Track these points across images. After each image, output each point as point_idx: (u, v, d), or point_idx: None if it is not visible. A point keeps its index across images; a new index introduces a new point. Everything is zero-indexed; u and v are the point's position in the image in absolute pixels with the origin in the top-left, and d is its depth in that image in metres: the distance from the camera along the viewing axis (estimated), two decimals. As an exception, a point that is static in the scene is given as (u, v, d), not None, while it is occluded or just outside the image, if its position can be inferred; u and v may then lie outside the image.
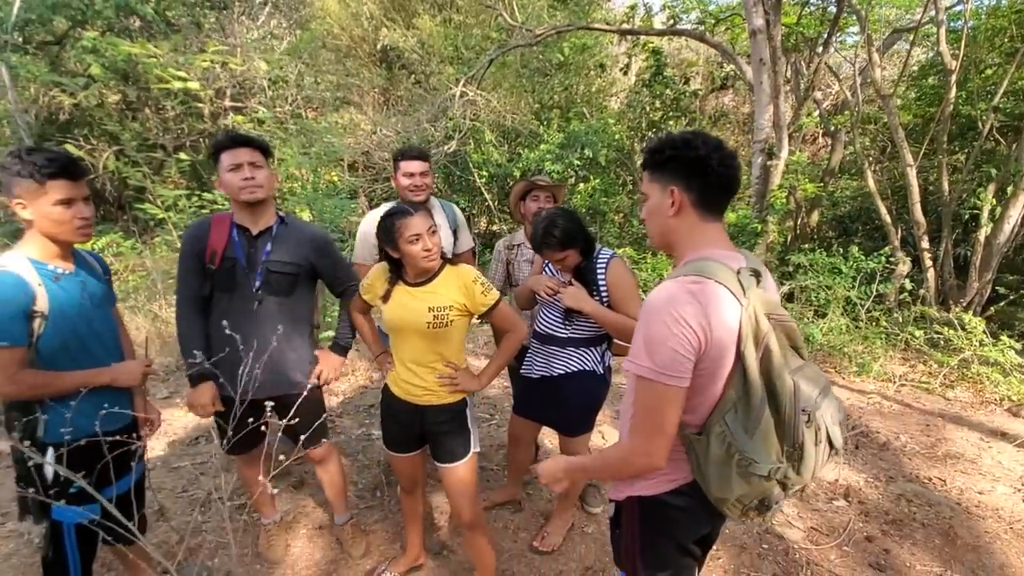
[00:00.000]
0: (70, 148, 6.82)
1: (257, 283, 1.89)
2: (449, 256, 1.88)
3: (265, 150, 1.90)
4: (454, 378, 1.77)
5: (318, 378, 2.05)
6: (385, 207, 2.43)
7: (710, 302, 1.05)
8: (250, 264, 1.88)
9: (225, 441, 1.42)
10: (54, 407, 1.48)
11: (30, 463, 1.38)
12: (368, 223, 2.44)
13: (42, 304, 1.43)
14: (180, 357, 1.88)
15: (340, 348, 2.13)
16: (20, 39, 6.99)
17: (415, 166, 2.36)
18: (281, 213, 1.98)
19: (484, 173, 7.29)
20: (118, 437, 1.44)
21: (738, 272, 1.10)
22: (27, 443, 1.42)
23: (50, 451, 1.48)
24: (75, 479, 1.18)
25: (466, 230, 2.69)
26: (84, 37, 6.84)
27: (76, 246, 1.63)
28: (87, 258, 1.69)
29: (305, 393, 1.75)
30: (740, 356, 1.06)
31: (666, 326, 1.05)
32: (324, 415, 2.15)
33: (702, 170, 1.14)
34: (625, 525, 1.30)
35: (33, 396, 1.44)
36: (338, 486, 2.27)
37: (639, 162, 8.70)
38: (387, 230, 1.66)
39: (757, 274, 1.12)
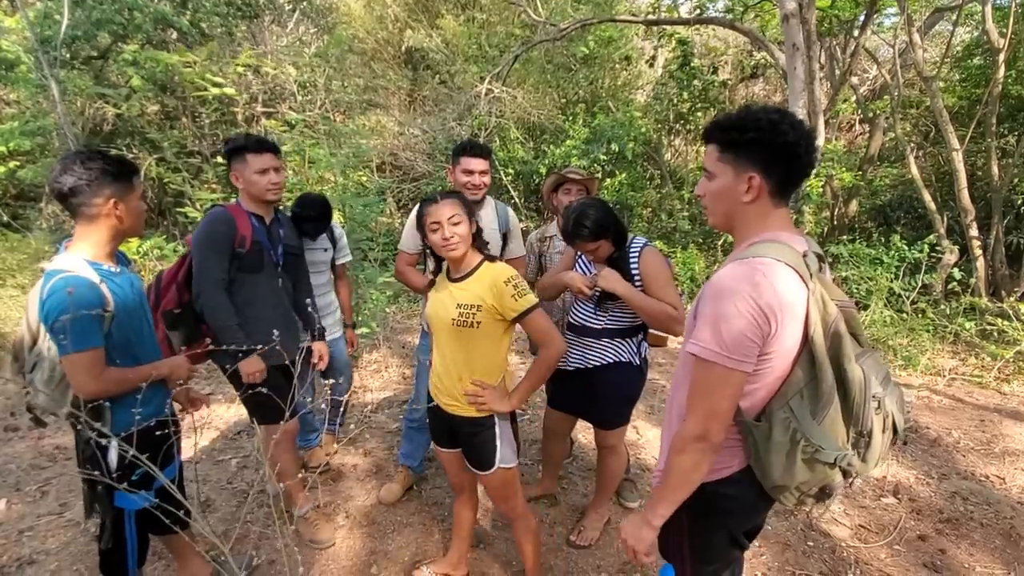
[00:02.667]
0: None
1: (281, 263, 2.18)
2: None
3: (280, 153, 2.16)
4: (480, 396, 1.68)
5: (320, 359, 2.40)
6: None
7: (779, 284, 1.01)
8: (274, 246, 2.15)
9: (288, 407, 1.61)
10: (117, 399, 1.54)
11: (107, 445, 1.45)
12: (416, 212, 2.48)
13: (110, 304, 1.49)
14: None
15: (323, 336, 2.47)
16: (67, 55, 7.33)
17: (477, 163, 2.27)
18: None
19: (510, 171, 7.29)
20: (159, 431, 1.52)
21: (804, 255, 1.06)
22: (89, 434, 1.46)
23: (113, 445, 1.53)
24: (141, 461, 1.22)
25: (518, 237, 2.54)
26: (125, 51, 7.13)
27: None
28: (120, 256, 1.74)
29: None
30: (809, 341, 1.02)
31: (736, 308, 1.01)
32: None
33: (788, 158, 1.05)
34: (673, 516, 1.26)
35: (114, 393, 1.49)
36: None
37: (667, 155, 8.57)
38: (418, 217, 1.71)
39: (821, 259, 1.10)
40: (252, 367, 2.02)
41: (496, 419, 1.73)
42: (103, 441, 1.46)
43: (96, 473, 1.47)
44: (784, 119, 1.05)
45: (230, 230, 2.00)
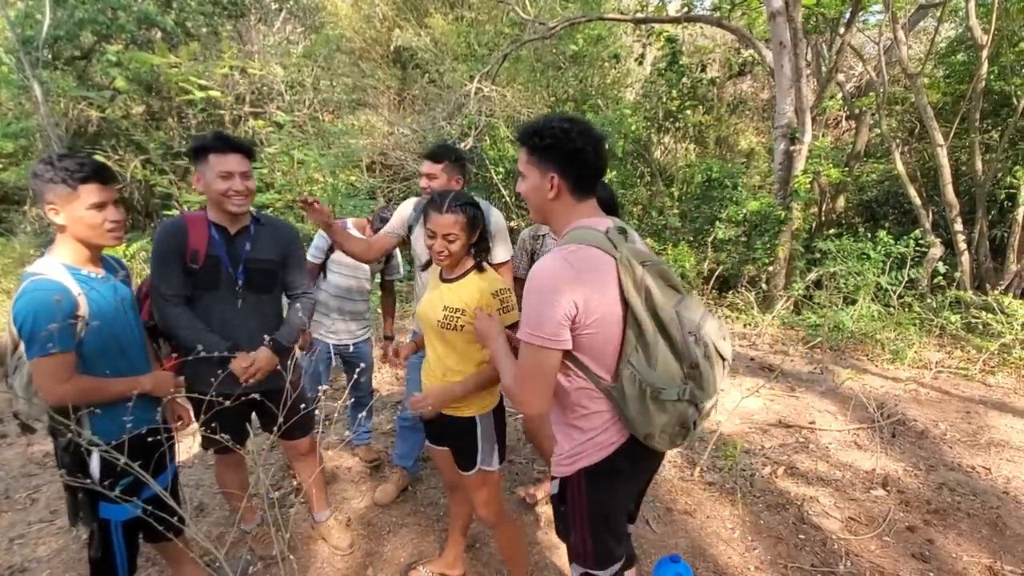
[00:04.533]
0: (99, 159, 7.05)
1: (240, 281, 1.90)
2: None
3: (252, 155, 1.91)
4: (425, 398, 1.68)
5: (244, 370, 1.84)
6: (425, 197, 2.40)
7: (586, 265, 1.19)
8: (232, 262, 1.89)
9: (273, 434, 1.43)
10: (97, 410, 1.50)
11: (89, 454, 1.42)
12: (409, 202, 2.45)
13: (83, 309, 1.45)
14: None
15: (279, 346, 1.96)
16: (50, 56, 7.22)
17: (426, 166, 2.27)
18: (254, 212, 1.99)
19: (500, 169, 7.28)
20: (151, 438, 1.49)
21: (606, 232, 1.24)
22: (78, 440, 1.43)
23: (95, 455, 1.51)
24: (133, 468, 1.21)
25: (505, 240, 2.43)
26: (108, 51, 7.03)
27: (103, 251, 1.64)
28: (111, 262, 1.70)
29: (288, 386, 1.73)
30: (626, 301, 1.19)
31: (543, 295, 1.18)
32: (306, 408, 2.11)
33: (579, 161, 1.24)
34: (572, 499, 1.37)
35: (82, 401, 1.45)
36: (319, 482, 2.31)
37: (657, 153, 8.61)
38: (424, 215, 1.68)
39: (624, 231, 1.27)
40: (244, 362, 1.82)
41: (478, 419, 1.74)
42: (92, 449, 1.45)
43: (87, 481, 1.45)
44: (573, 127, 1.23)
45: (179, 243, 1.80)
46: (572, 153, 1.23)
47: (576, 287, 1.17)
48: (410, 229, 2.38)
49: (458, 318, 1.64)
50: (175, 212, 5.33)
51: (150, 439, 1.54)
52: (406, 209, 2.41)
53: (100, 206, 1.48)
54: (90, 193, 1.46)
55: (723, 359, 1.26)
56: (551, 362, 1.21)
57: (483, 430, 1.75)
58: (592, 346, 1.22)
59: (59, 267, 1.46)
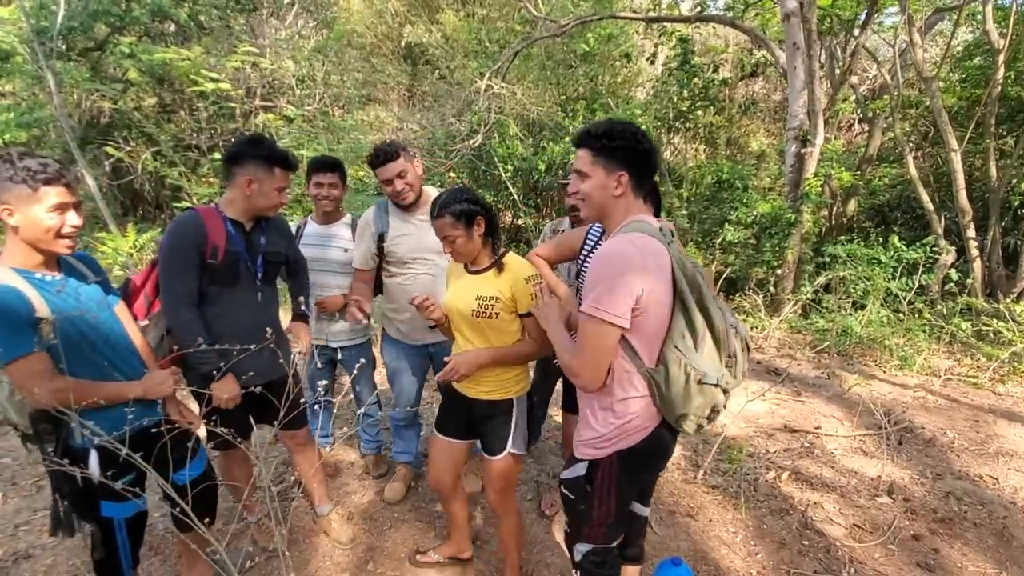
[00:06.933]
0: (111, 150, 7.10)
1: (259, 274, 1.94)
2: None
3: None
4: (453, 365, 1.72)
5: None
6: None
7: (649, 252, 1.30)
8: (252, 256, 1.91)
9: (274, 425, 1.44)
10: (84, 413, 1.43)
11: (87, 453, 1.42)
12: (366, 221, 2.30)
13: (43, 311, 1.39)
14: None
15: (303, 317, 2.20)
16: (64, 46, 7.28)
17: (388, 169, 2.13)
18: None
19: (509, 167, 7.25)
20: (159, 429, 1.48)
21: (660, 229, 1.37)
22: (61, 450, 1.42)
23: (94, 454, 1.48)
24: (135, 459, 1.21)
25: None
26: (122, 43, 7.07)
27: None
28: (73, 263, 1.61)
29: (290, 376, 1.79)
30: (679, 292, 1.30)
31: (617, 274, 1.26)
32: (303, 399, 2.12)
33: (647, 160, 1.37)
34: (602, 479, 1.44)
35: (65, 404, 1.37)
36: (319, 477, 2.31)
37: (666, 153, 8.57)
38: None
39: (673, 233, 1.40)
40: (225, 391, 1.80)
41: (515, 401, 1.81)
42: (90, 448, 1.44)
43: (69, 495, 1.43)
44: (638, 132, 1.37)
45: (198, 239, 1.77)
46: (642, 154, 1.36)
47: (643, 271, 1.27)
48: (382, 238, 2.25)
49: (492, 306, 1.70)
50: (185, 204, 5.36)
51: (154, 431, 1.54)
52: (367, 227, 2.28)
53: (61, 208, 1.41)
54: (52, 195, 1.38)
55: (748, 351, 1.43)
56: (611, 339, 1.30)
57: (518, 412, 1.83)
58: (644, 329, 1.31)
59: (8, 271, 1.40)
